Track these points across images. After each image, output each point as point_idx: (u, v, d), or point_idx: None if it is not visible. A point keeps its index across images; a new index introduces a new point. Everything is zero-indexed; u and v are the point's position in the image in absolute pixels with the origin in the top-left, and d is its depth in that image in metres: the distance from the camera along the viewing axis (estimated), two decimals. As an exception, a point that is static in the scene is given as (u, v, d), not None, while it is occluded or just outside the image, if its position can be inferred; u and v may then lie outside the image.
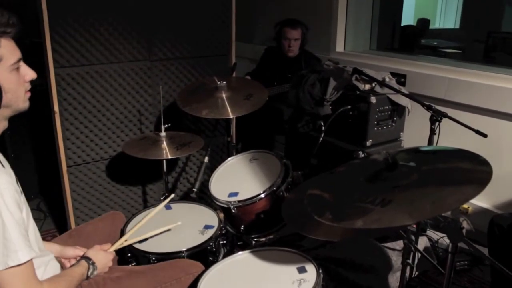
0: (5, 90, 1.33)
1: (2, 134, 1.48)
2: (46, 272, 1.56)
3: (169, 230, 2.17)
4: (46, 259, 1.60)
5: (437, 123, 2.27)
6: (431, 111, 2.28)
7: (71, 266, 1.70)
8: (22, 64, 1.40)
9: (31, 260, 1.36)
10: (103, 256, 1.76)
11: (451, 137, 2.43)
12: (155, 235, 2.13)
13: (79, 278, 1.61)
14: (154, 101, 3.05)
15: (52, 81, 2.61)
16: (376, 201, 1.38)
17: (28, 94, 1.45)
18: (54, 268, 1.63)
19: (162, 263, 1.93)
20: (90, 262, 1.69)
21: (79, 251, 1.82)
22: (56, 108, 2.68)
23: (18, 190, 1.39)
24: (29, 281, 1.35)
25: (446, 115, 2.26)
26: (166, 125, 2.62)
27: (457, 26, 6.81)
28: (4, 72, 1.33)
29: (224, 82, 2.68)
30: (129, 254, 2.08)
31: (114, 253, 1.87)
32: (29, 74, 1.43)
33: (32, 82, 1.46)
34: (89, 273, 1.67)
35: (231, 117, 2.62)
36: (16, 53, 1.37)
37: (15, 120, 1.49)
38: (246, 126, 3.42)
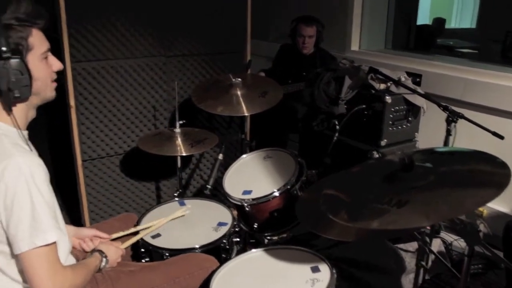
0: (35, 77, 1.41)
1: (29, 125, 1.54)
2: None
3: (178, 217, 2.23)
4: (64, 255, 1.62)
5: (453, 124, 2.25)
6: (447, 112, 2.26)
7: (86, 257, 1.71)
8: (50, 54, 1.48)
9: (55, 243, 1.38)
10: (114, 251, 1.79)
11: (466, 138, 2.40)
12: (163, 224, 2.17)
13: (94, 269, 1.64)
14: (169, 97, 3.06)
15: (68, 75, 2.63)
16: (392, 202, 1.37)
17: (54, 84, 1.53)
18: (70, 262, 1.64)
19: (175, 258, 1.94)
20: (103, 255, 1.72)
21: (95, 231, 1.89)
22: (72, 102, 2.70)
23: (47, 172, 1.42)
24: (54, 263, 1.37)
25: (462, 116, 2.24)
26: (181, 121, 2.62)
27: (474, 26, 6.72)
28: (34, 60, 1.41)
29: (239, 79, 2.68)
30: (142, 250, 2.09)
31: (124, 250, 1.90)
32: (56, 64, 1.51)
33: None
34: (102, 265, 1.69)
35: (246, 114, 2.62)
36: (45, 43, 1.45)
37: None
38: (260, 123, 3.42)
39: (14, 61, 1.33)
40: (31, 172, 1.33)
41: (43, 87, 1.47)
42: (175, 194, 2.73)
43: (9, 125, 1.43)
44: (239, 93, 2.68)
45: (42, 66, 1.44)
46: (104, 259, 1.71)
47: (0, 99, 1.39)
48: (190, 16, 3.01)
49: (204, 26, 3.09)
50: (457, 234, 2.67)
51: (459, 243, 2.72)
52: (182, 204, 2.42)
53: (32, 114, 1.52)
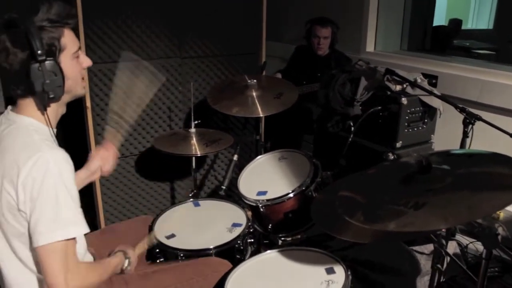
0: (68, 76, 1.43)
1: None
2: None
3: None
4: (82, 252, 1.63)
5: (470, 126, 2.22)
6: (465, 114, 2.24)
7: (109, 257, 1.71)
8: (80, 52, 1.51)
9: (75, 239, 1.39)
10: (136, 257, 1.79)
11: (483, 140, 2.37)
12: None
13: (113, 269, 1.63)
14: (184, 98, 3.07)
15: (84, 76, 2.64)
16: (409, 204, 1.36)
17: (85, 82, 1.58)
18: (87, 260, 1.66)
19: (190, 260, 1.95)
20: (127, 257, 1.72)
21: (100, 156, 1.89)
22: (88, 103, 2.72)
23: (73, 168, 1.44)
24: (69, 259, 1.37)
25: (480, 118, 2.21)
26: (196, 122, 2.63)
27: (491, 27, 6.67)
28: (67, 60, 1.44)
29: (255, 81, 2.69)
30: (157, 250, 2.09)
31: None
32: (86, 61, 1.54)
33: None
34: (124, 267, 1.70)
35: (261, 115, 2.62)
36: (77, 43, 1.48)
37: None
38: (275, 124, 3.42)
39: (48, 63, 1.36)
40: (59, 168, 1.35)
41: (74, 85, 1.50)
42: (190, 195, 2.74)
43: (41, 123, 1.45)
44: (254, 94, 2.68)
45: (74, 64, 1.47)
46: (127, 261, 1.71)
47: (34, 98, 1.43)
48: (206, 18, 3.02)
49: (220, 28, 3.10)
50: (475, 237, 2.64)
51: (475, 246, 2.70)
52: (196, 204, 2.43)
53: (62, 110, 1.55)
